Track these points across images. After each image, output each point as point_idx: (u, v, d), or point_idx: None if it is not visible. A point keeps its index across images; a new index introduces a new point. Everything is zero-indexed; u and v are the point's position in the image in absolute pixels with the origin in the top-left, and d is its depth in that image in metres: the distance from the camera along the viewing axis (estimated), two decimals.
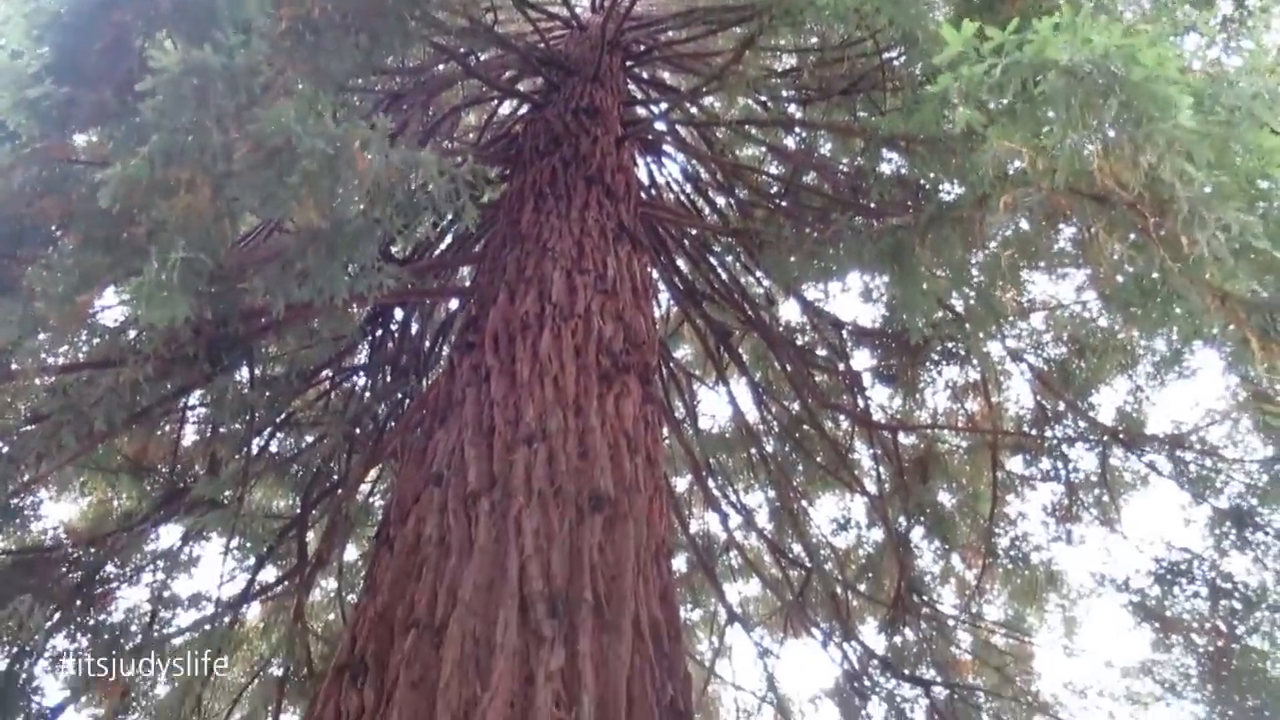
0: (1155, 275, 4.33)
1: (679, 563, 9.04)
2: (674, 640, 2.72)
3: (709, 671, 8.52)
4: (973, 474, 7.85)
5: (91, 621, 5.95)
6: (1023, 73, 2.58)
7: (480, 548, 2.69)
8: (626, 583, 2.67)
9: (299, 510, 7.09)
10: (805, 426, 8.27)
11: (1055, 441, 7.29)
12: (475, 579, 2.57)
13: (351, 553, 8.30)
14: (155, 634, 6.15)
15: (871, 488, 7.94)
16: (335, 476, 7.32)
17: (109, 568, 6.24)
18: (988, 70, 2.64)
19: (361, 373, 7.69)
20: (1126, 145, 2.53)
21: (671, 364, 8.50)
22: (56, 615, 5.75)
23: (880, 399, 8.18)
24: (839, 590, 7.86)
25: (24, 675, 5.44)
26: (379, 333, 7.51)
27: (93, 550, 6.22)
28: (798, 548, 8.24)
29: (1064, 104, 2.58)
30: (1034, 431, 7.39)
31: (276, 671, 7.19)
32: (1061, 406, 7.18)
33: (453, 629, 2.39)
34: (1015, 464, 7.68)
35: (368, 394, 7.44)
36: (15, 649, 5.46)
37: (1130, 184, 2.66)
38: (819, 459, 8.34)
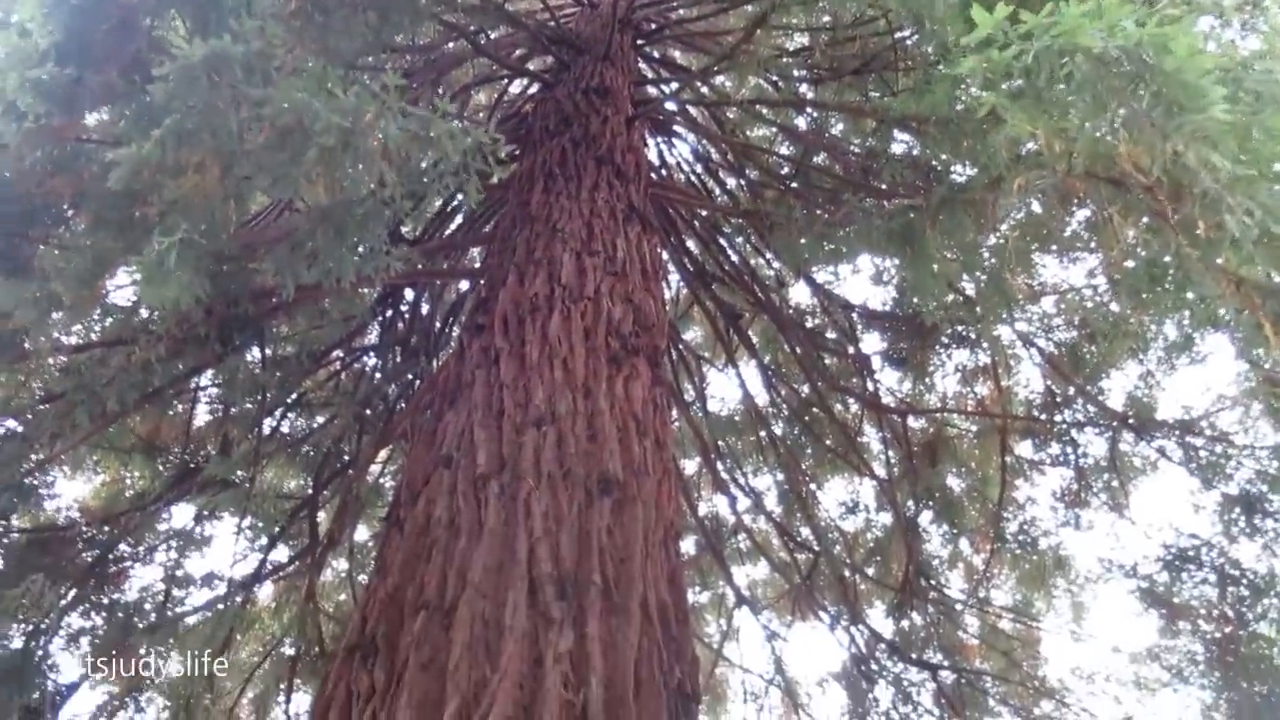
0: (1168, 259, 4.30)
1: (687, 545, 9.06)
2: (682, 623, 2.73)
3: (717, 654, 8.57)
4: (982, 458, 7.84)
5: (106, 600, 6.00)
6: (1051, 58, 2.55)
7: (490, 530, 2.70)
8: (635, 565, 2.67)
9: (310, 491, 7.13)
10: (814, 409, 8.26)
11: (1065, 426, 7.27)
12: (485, 561, 2.58)
13: (362, 533, 8.35)
14: (169, 613, 6.20)
15: (880, 471, 7.94)
16: (346, 457, 7.35)
17: (123, 546, 6.29)
18: (1017, 55, 2.61)
19: (372, 353, 7.71)
20: (1150, 132, 2.50)
21: (681, 346, 8.50)
22: (71, 593, 5.80)
23: (890, 382, 8.18)
24: (847, 574, 7.88)
25: (40, 653, 5.49)
26: (389, 313, 7.52)
27: (106, 529, 6.27)
28: (806, 531, 8.25)
29: (1091, 90, 2.55)
30: (1043, 416, 7.37)
31: (288, 651, 7.26)
32: (1071, 391, 7.16)
33: (462, 611, 2.40)
34: (1024, 449, 7.67)
35: (378, 375, 7.46)
36: (31, 627, 5.51)
37: (1150, 169, 2.63)
38: (828, 442, 8.34)
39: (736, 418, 8.94)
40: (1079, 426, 7.21)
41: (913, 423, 7.89)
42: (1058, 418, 7.29)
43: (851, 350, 7.94)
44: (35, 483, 5.84)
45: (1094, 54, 2.51)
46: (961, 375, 7.83)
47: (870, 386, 7.84)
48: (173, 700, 6.56)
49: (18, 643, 5.46)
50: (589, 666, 2.22)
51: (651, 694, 2.27)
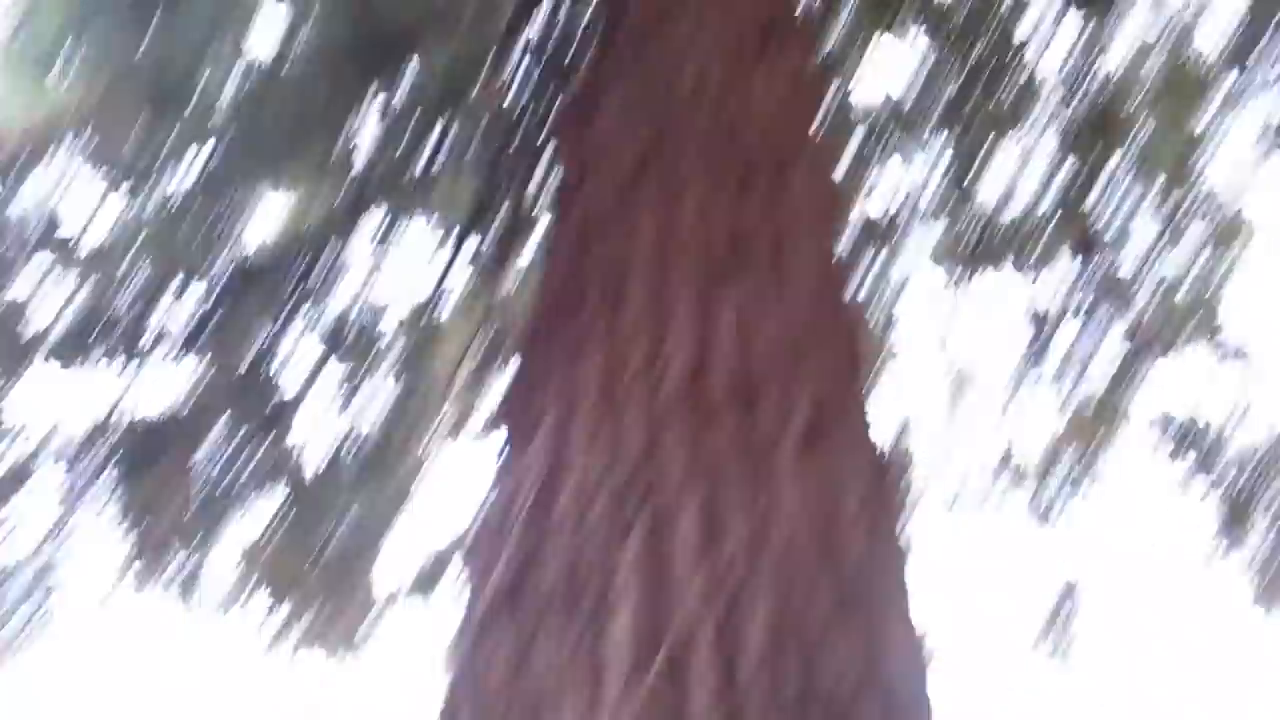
0: None
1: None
2: (843, 290, 2.78)
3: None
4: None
5: (316, 315, 6.62)
6: None
7: (646, 217, 2.75)
8: (795, 240, 2.69)
9: (486, 198, 7.36)
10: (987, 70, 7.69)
11: None
12: (645, 252, 2.64)
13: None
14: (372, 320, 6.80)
15: (1054, 134, 7.45)
16: (512, 169, 7.47)
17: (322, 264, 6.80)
18: None
19: (519, 69, 7.60)
20: None
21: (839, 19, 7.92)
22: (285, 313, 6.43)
23: (1069, 33, 7.45)
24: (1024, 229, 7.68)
25: (264, 374, 6.23)
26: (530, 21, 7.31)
27: (301, 253, 6.76)
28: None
29: None
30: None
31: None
32: None
33: (632, 291, 2.49)
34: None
35: (527, 91, 7.39)
36: (253, 352, 6.22)
37: None
38: (1003, 104, 7.81)
39: (900, 88, 8.39)
40: None
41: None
42: None
43: None
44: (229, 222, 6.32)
45: None
46: None
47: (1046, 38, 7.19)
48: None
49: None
50: (756, 330, 2.30)
51: (818, 346, 2.35)
